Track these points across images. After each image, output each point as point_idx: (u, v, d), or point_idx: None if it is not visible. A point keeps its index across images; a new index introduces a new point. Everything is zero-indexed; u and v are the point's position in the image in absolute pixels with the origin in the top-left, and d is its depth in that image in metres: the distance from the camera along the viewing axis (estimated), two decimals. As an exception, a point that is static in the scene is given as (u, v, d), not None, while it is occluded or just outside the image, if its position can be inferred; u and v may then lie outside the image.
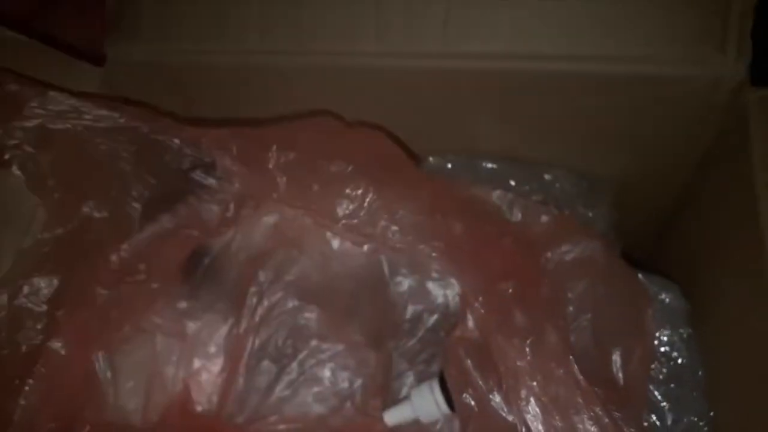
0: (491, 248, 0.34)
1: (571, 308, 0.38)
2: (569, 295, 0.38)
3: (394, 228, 0.36)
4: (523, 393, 0.29)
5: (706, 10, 0.37)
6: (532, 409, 0.29)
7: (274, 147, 0.37)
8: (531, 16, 0.39)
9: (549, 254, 0.39)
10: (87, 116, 0.39)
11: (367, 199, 0.37)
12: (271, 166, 0.37)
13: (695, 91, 0.39)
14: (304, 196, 0.38)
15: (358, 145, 0.39)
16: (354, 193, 0.37)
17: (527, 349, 0.30)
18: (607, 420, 0.29)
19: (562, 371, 0.29)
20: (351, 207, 0.37)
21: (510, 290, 0.32)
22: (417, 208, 0.35)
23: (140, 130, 0.40)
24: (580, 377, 0.30)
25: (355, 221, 0.37)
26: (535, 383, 0.29)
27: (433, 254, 0.34)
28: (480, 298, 0.31)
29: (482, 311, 0.31)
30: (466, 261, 0.33)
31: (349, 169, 0.37)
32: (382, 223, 0.36)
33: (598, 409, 0.29)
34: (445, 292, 0.40)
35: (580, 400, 0.29)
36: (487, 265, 0.33)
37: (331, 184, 0.37)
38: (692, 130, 0.41)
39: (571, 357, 0.30)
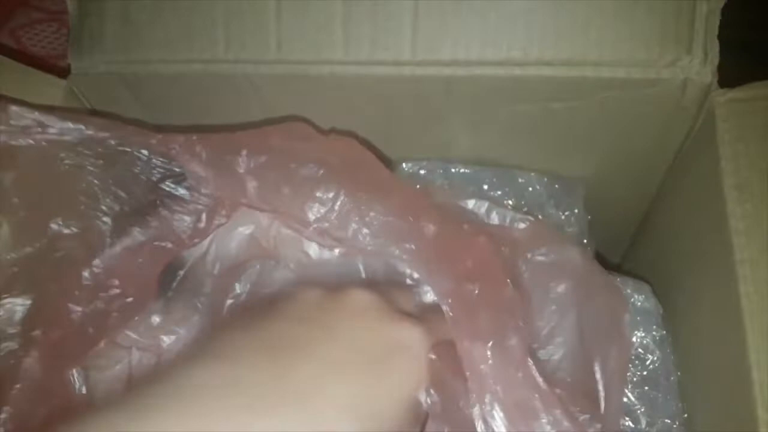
0: (463, 248, 0.34)
1: (553, 308, 0.38)
2: (551, 295, 0.38)
3: (365, 231, 0.36)
4: (488, 398, 0.29)
5: (673, 13, 0.37)
6: (497, 414, 0.29)
7: (245, 151, 0.37)
8: (500, 22, 0.38)
9: (528, 255, 0.39)
10: (52, 130, 0.39)
11: (338, 203, 0.36)
12: (241, 170, 0.37)
13: (664, 93, 0.39)
14: (275, 200, 0.38)
15: (330, 149, 0.39)
16: (325, 197, 0.36)
17: (488, 353, 0.30)
18: (567, 423, 0.29)
19: (521, 374, 0.29)
20: (322, 210, 0.37)
21: (476, 291, 0.32)
22: (388, 209, 0.35)
23: (107, 141, 0.40)
24: (540, 380, 0.30)
25: (326, 225, 0.37)
26: (498, 387, 0.29)
27: (404, 256, 0.34)
28: (449, 300, 0.31)
29: (450, 314, 0.31)
30: (437, 262, 0.33)
31: (320, 172, 0.37)
32: (353, 225, 0.36)
33: (558, 412, 0.29)
34: (422, 297, 0.40)
35: (539, 404, 0.29)
36: (457, 266, 0.33)
37: (301, 187, 0.37)
38: (662, 133, 0.42)
39: (530, 360, 0.30)
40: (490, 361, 0.30)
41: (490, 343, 0.30)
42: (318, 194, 0.36)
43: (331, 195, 0.36)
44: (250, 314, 0.32)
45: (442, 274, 0.34)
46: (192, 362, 0.28)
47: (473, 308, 0.32)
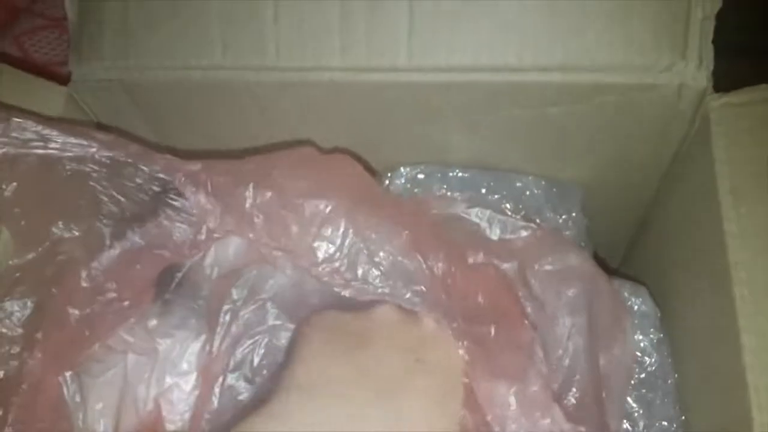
0: (474, 285, 0.34)
1: (567, 311, 0.38)
2: (562, 300, 0.38)
3: (375, 272, 0.36)
4: None
5: (668, 18, 0.38)
6: None
7: (251, 185, 0.37)
8: (495, 28, 0.39)
9: (536, 266, 0.39)
10: (53, 143, 0.39)
11: (347, 241, 0.36)
12: (247, 205, 0.37)
13: (658, 98, 0.39)
14: (282, 238, 0.37)
15: (335, 178, 0.39)
16: (333, 235, 0.36)
17: (512, 399, 0.30)
18: None
19: (548, 421, 0.30)
20: (331, 250, 0.36)
21: (492, 333, 0.32)
22: (396, 248, 0.35)
23: (110, 156, 0.40)
24: (566, 426, 0.30)
25: (336, 264, 0.37)
26: None
27: (416, 299, 0.34)
28: (464, 343, 0.32)
29: (466, 357, 0.31)
30: (448, 303, 0.33)
31: (328, 209, 0.36)
32: (363, 266, 0.36)
33: None
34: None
35: None
36: (468, 305, 0.33)
37: (309, 225, 0.36)
38: (658, 137, 0.42)
39: (556, 404, 0.30)
40: (513, 407, 0.30)
41: (513, 388, 0.30)
42: (326, 233, 0.36)
43: (339, 233, 0.36)
44: (336, 338, 0.33)
45: (455, 315, 0.34)
46: (303, 401, 0.29)
47: (490, 350, 0.32)
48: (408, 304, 0.34)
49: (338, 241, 0.36)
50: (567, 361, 0.37)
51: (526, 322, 0.35)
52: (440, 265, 0.35)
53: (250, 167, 0.37)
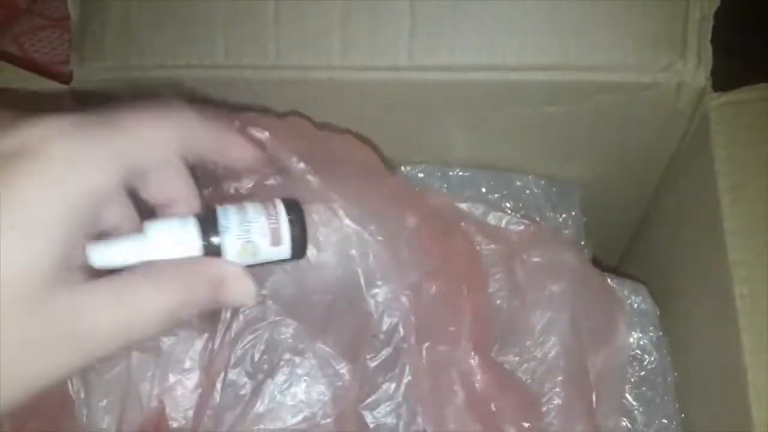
0: (438, 243, 0.35)
1: (547, 306, 0.38)
2: (545, 294, 0.39)
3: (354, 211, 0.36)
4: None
5: (667, 17, 0.38)
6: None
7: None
8: (495, 27, 0.39)
9: (524, 256, 0.40)
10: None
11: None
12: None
13: (658, 97, 0.39)
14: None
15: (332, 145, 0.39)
16: None
17: (423, 353, 0.30)
18: None
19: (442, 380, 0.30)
20: None
21: (433, 290, 0.32)
22: (377, 197, 0.36)
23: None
24: (457, 389, 0.31)
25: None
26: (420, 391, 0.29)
27: (379, 238, 0.34)
28: (408, 293, 0.32)
29: (407, 305, 0.32)
30: (407, 254, 0.34)
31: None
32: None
33: None
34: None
35: (449, 413, 0.30)
36: (426, 261, 0.34)
37: None
38: (657, 136, 0.42)
39: (454, 370, 0.31)
40: (423, 362, 0.31)
41: (426, 344, 0.31)
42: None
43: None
44: None
45: (410, 266, 0.34)
46: None
47: (426, 306, 0.32)
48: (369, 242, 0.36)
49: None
50: (539, 353, 0.37)
51: (465, 288, 0.36)
52: (413, 219, 0.35)
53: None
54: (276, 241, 0.26)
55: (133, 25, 0.42)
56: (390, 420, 0.37)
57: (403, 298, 0.33)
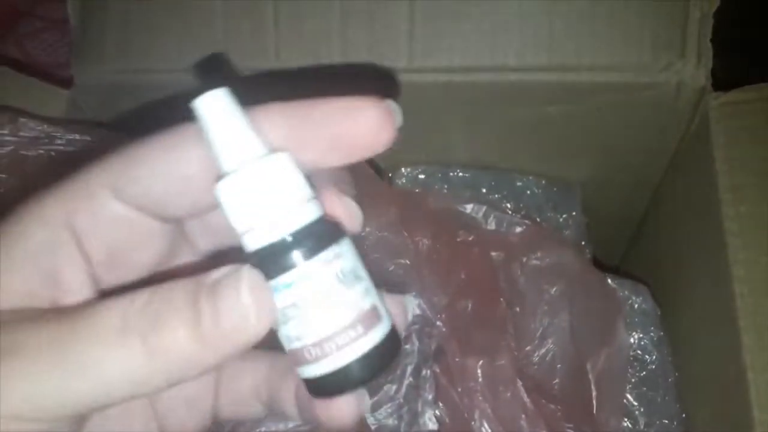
0: (456, 260, 0.35)
1: (546, 309, 0.38)
2: (544, 297, 0.39)
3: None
4: (476, 414, 0.29)
5: (666, 17, 0.38)
6: (485, 430, 0.30)
7: None
8: (495, 28, 0.39)
9: (524, 259, 0.40)
10: (59, 141, 0.40)
11: None
12: None
13: (658, 97, 0.39)
14: None
15: None
16: None
17: (479, 371, 0.30)
18: None
19: (509, 394, 0.30)
20: None
21: (469, 308, 0.32)
22: (384, 224, 0.36)
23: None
24: (527, 400, 0.30)
25: None
26: (487, 405, 0.29)
27: (400, 271, 0.34)
28: (442, 316, 0.32)
29: (443, 329, 0.32)
30: (431, 277, 0.34)
31: None
32: None
33: None
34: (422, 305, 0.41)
35: (525, 425, 0.29)
36: (450, 280, 0.34)
37: None
38: (658, 136, 0.42)
39: (519, 381, 0.31)
40: (480, 379, 0.30)
41: (480, 362, 0.30)
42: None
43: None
44: None
45: (436, 289, 0.34)
46: None
47: (465, 325, 0.32)
48: (391, 276, 0.34)
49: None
50: (536, 358, 0.37)
51: (502, 299, 0.35)
52: (426, 240, 0.35)
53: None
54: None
55: (133, 28, 0.42)
56: (391, 421, 0.37)
57: (438, 323, 0.33)
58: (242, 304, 0.18)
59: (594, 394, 0.36)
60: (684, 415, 0.40)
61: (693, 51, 0.38)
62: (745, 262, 0.34)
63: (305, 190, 0.20)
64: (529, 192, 0.45)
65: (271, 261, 0.19)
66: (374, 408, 0.38)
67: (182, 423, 0.24)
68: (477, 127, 0.43)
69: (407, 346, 0.39)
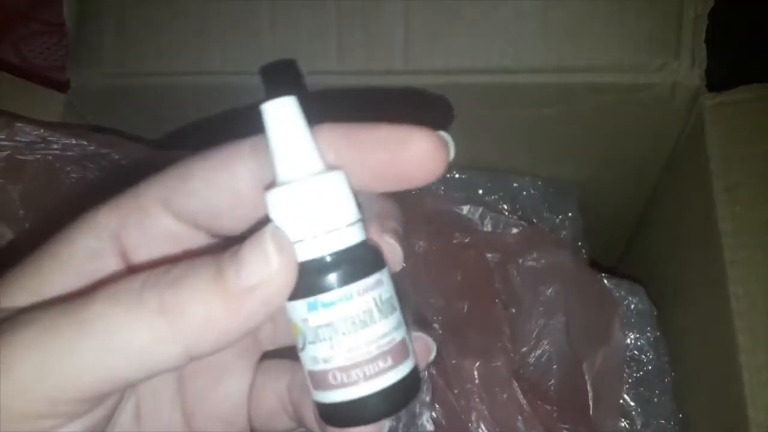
0: (453, 263, 0.35)
1: (542, 310, 0.38)
2: (540, 298, 0.39)
3: None
4: (473, 416, 0.30)
5: (661, 18, 0.38)
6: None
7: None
8: (490, 30, 0.39)
9: (520, 260, 0.40)
10: (55, 146, 0.40)
11: None
12: None
13: (653, 98, 0.39)
14: None
15: None
16: None
17: (475, 373, 0.30)
18: None
19: (505, 396, 0.30)
20: None
21: (465, 309, 0.32)
22: None
23: (110, 156, 0.41)
24: (523, 401, 0.30)
25: None
26: (483, 407, 0.30)
27: (397, 274, 0.34)
28: (439, 318, 0.32)
29: (440, 331, 0.32)
30: (427, 279, 0.34)
31: None
32: None
33: None
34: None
35: (522, 426, 0.30)
36: (446, 282, 0.34)
37: None
38: (653, 137, 0.42)
39: (514, 382, 0.31)
40: (476, 381, 0.30)
41: (476, 363, 0.30)
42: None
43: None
44: None
45: (432, 291, 0.34)
46: None
47: (462, 326, 0.32)
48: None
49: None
50: (532, 359, 0.37)
51: (498, 301, 0.35)
52: (422, 243, 0.35)
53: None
54: None
55: (129, 31, 0.42)
56: (389, 422, 0.38)
57: (435, 325, 0.33)
58: (267, 255, 0.17)
59: (590, 394, 0.36)
60: (680, 416, 0.40)
61: (688, 51, 0.38)
62: (740, 263, 0.34)
63: (355, 211, 0.19)
64: (525, 193, 0.45)
65: (312, 277, 0.18)
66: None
67: None
68: (473, 128, 0.43)
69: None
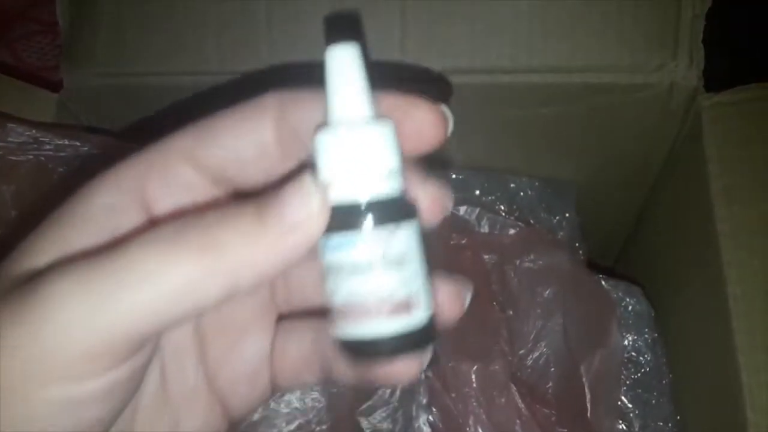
0: (449, 266, 0.35)
1: (539, 312, 0.38)
2: (537, 300, 0.38)
3: None
4: (471, 419, 0.29)
5: (658, 18, 0.38)
6: None
7: None
8: (488, 30, 0.39)
9: (517, 262, 0.40)
10: (47, 146, 0.39)
11: None
12: None
13: (650, 98, 0.39)
14: None
15: None
16: None
17: (473, 376, 0.30)
18: None
19: (503, 399, 0.30)
20: None
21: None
22: None
23: (103, 157, 0.40)
24: (521, 405, 0.30)
25: None
26: (481, 410, 0.29)
27: None
28: None
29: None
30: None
31: None
32: None
33: None
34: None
35: (519, 429, 0.29)
36: None
37: None
38: (651, 137, 0.42)
39: (512, 385, 0.30)
40: (474, 384, 0.30)
41: (474, 367, 0.30)
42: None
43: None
44: None
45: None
46: None
47: (459, 329, 0.32)
48: None
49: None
50: (530, 361, 0.37)
51: (495, 304, 0.35)
52: None
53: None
54: None
55: (124, 31, 0.42)
56: (386, 425, 0.37)
57: None
58: (309, 195, 0.18)
59: (588, 396, 0.36)
60: (678, 417, 0.40)
61: (685, 52, 0.38)
62: (738, 264, 0.34)
63: (395, 163, 0.20)
64: (522, 193, 0.45)
65: (338, 216, 0.19)
66: (368, 412, 0.38)
67: (244, 399, 0.24)
68: (470, 128, 0.43)
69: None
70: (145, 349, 0.19)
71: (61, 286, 0.18)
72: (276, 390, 0.25)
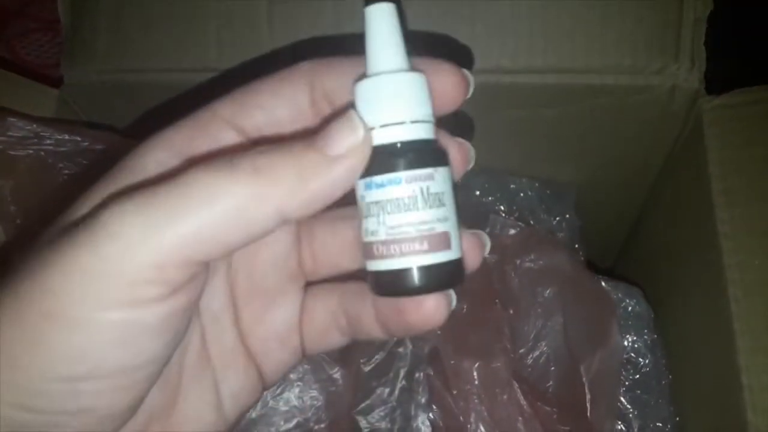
0: None
1: (540, 312, 0.38)
2: (538, 300, 0.38)
3: None
4: (473, 417, 0.29)
5: (660, 21, 0.38)
6: None
7: None
8: (489, 31, 0.39)
9: (517, 262, 0.40)
10: (48, 141, 0.39)
11: None
12: None
13: (652, 100, 0.39)
14: None
15: None
16: None
17: (475, 374, 0.30)
18: None
19: (505, 397, 0.30)
20: None
21: (464, 310, 0.32)
22: None
23: (104, 152, 0.40)
24: (524, 402, 0.30)
25: None
26: (483, 408, 0.29)
27: None
28: None
29: (438, 332, 0.31)
30: None
31: None
32: None
33: None
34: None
35: (522, 427, 0.29)
36: None
37: None
38: (651, 139, 0.42)
39: (515, 382, 0.30)
40: (476, 382, 0.30)
41: (476, 364, 0.30)
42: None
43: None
44: None
45: None
46: None
47: (460, 327, 0.32)
48: None
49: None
50: (530, 360, 0.37)
51: (497, 301, 0.35)
52: None
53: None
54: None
55: (125, 28, 0.42)
56: (384, 425, 0.37)
57: None
58: (355, 128, 0.20)
59: (588, 396, 0.36)
60: (677, 419, 0.39)
61: (687, 54, 0.38)
62: (738, 265, 0.34)
63: (428, 111, 0.22)
64: (522, 194, 0.45)
65: (377, 159, 0.21)
66: (366, 411, 0.38)
67: (277, 362, 0.26)
68: (470, 129, 0.43)
69: (400, 350, 0.39)
70: (198, 280, 0.20)
71: (123, 209, 0.19)
72: (306, 353, 0.26)
